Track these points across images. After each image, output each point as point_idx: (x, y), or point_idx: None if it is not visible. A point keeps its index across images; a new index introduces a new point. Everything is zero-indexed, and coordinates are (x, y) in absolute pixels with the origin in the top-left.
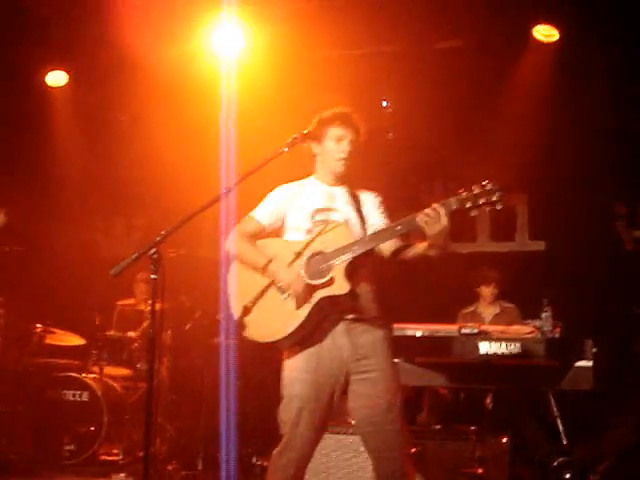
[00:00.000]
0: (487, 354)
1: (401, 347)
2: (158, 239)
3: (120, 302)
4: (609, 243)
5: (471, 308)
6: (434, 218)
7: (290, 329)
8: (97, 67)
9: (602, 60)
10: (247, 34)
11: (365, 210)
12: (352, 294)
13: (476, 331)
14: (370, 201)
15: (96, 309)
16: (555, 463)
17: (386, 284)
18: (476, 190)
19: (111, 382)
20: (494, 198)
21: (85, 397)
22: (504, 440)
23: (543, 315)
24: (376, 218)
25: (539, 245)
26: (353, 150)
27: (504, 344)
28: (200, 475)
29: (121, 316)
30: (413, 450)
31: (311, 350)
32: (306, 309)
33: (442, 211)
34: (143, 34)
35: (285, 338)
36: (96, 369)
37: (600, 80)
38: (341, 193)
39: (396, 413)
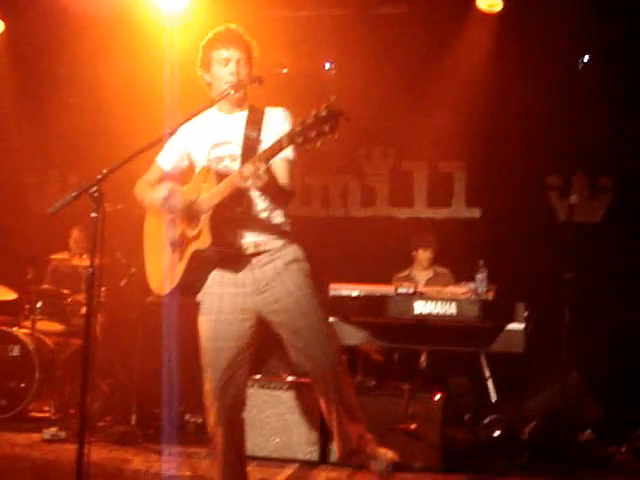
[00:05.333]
0: (422, 314)
1: (337, 307)
2: (99, 177)
3: (54, 256)
4: (543, 213)
5: (405, 272)
6: (254, 175)
7: (175, 282)
8: (34, 16)
9: (544, 30)
10: None
11: (266, 133)
12: (221, 242)
13: (412, 291)
14: (275, 120)
15: (28, 263)
16: (485, 420)
17: (320, 247)
18: (308, 120)
19: (43, 337)
20: (326, 128)
21: (16, 352)
22: (437, 397)
23: (478, 276)
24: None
25: (475, 212)
26: (243, 70)
27: (439, 304)
28: (133, 430)
29: (55, 270)
30: None
31: (213, 291)
32: (184, 262)
33: (262, 167)
34: None
35: (173, 291)
36: (28, 324)
37: (541, 50)
38: (240, 120)
39: (315, 318)
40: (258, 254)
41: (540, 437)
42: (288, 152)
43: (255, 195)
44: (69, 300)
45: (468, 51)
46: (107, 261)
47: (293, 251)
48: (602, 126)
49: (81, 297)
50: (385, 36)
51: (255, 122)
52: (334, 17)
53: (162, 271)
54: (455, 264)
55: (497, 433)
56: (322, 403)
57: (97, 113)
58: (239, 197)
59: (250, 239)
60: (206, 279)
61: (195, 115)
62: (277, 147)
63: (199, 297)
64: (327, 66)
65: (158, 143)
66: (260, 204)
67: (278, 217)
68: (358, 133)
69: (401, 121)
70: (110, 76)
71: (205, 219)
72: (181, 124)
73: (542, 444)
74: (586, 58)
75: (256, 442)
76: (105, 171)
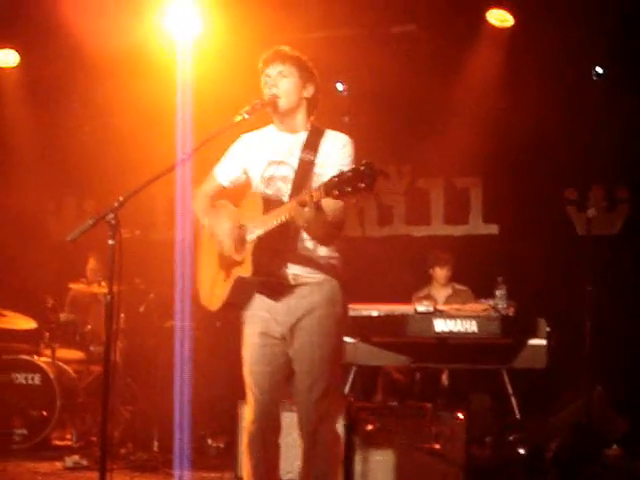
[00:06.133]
0: (443, 332)
1: (357, 327)
2: (116, 204)
3: (72, 284)
4: (561, 227)
5: (425, 291)
6: (298, 213)
7: (220, 303)
8: (48, 47)
9: (556, 43)
10: (202, 15)
11: (322, 157)
12: (262, 272)
13: (431, 309)
14: (332, 144)
15: (48, 291)
16: (510, 438)
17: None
18: (346, 174)
19: (64, 365)
20: (362, 185)
21: (37, 380)
22: (460, 416)
23: (497, 292)
24: (329, 167)
25: (493, 228)
26: (283, 84)
27: (459, 322)
28: (155, 456)
29: (74, 299)
30: (369, 427)
31: (254, 313)
32: (228, 284)
33: (310, 210)
34: (93, 13)
35: (220, 309)
36: (48, 352)
37: (554, 63)
38: (299, 141)
39: (319, 394)
40: (297, 286)
41: (566, 454)
42: (345, 165)
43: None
44: (89, 327)
45: (481, 66)
46: (126, 287)
47: (332, 290)
48: (618, 137)
49: (100, 324)
50: (397, 55)
51: (312, 145)
52: (345, 38)
53: (211, 287)
54: (474, 281)
55: (522, 451)
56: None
57: (112, 140)
58: (285, 231)
59: (292, 270)
60: (250, 300)
61: (209, 139)
62: (318, 194)
63: (243, 318)
64: (340, 87)
65: (173, 170)
66: (306, 239)
67: (323, 251)
68: (372, 152)
69: (415, 139)
70: (124, 104)
71: (249, 248)
72: (195, 149)
73: (568, 461)
74: (599, 69)
75: (281, 466)
76: (121, 198)
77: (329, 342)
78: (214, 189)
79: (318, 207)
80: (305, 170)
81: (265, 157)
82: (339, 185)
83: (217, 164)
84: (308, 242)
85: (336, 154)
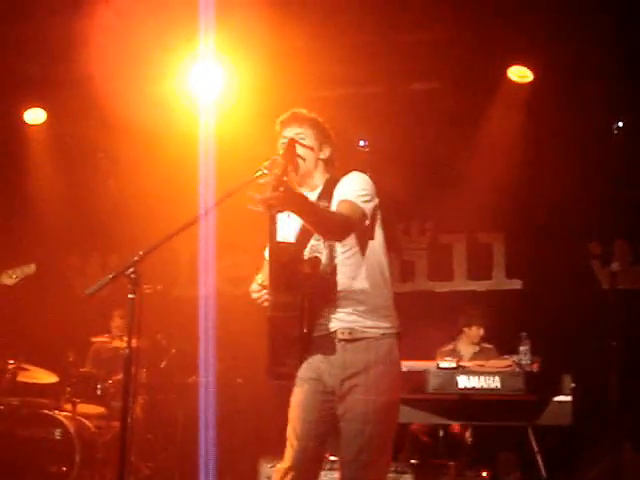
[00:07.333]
0: (466, 388)
1: None
2: (136, 259)
3: (95, 339)
4: (585, 282)
5: (450, 346)
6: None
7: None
8: (74, 106)
9: (576, 98)
10: (225, 74)
11: (335, 201)
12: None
13: (454, 365)
14: (345, 182)
15: (70, 346)
16: None
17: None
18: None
19: (84, 420)
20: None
21: (57, 435)
22: (484, 474)
23: (521, 348)
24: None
25: (516, 284)
26: (300, 148)
27: (483, 378)
28: None
29: (96, 353)
30: None
31: (307, 362)
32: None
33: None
34: (118, 74)
35: (267, 370)
36: (69, 406)
37: (574, 118)
38: (316, 194)
39: (367, 456)
40: (353, 341)
41: None
42: (352, 192)
43: (337, 261)
44: (110, 382)
45: (501, 122)
46: (147, 343)
47: (390, 347)
48: None
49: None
50: (418, 111)
51: (327, 193)
52: (367, 95)
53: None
54: (498, 336)
55: None
56: None
57: (136, 196)
58: (293, 264)
59: (343, 324)
60: (293, 359)
61: (230, 194)
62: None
63: None
64: (361, 143)
65: (194, 224)
66: (340, 271)
67: (377, 297)
68: (395, 208)
69: (437, 195)
70: (149, 161)
71: (269, 293)
72: (216, 204)
73: None
74: (620, 123)
75: None
76: (141, 252)
77: (386, 405)
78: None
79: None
80: None
81: (285, 215)
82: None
83: None
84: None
85: (347, 187)
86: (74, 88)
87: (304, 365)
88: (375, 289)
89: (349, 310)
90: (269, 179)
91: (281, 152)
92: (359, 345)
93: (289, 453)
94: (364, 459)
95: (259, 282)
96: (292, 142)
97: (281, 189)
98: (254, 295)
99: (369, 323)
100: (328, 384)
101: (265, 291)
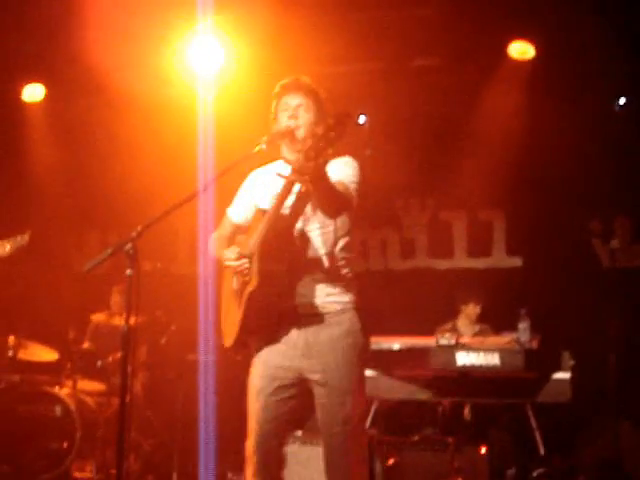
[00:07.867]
0: (465, 365)
1: (378, 360)
2: (134, 234)
3: (94, 315)
4: (586, 259)
5: (449, 324)
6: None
7: (235, 332)
8: (73, 83)
9: (577, 75)
10: (225, 49)
11: None
12: (270, 289)
13: (453, 342)
14: (335, 166)
15: (69, 323)
16: (535, 474)
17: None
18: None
19: (84, 397)
20: (332, 134)
21: (58, 412)
22: (482, 451)
23: (521, 325)
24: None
25: (516, 261)
26: (304, 115)
27: (482, 354)
28: None
29: (96, 330)
30: (390, 461)
31: (269, 342)
32: (241, 310)
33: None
34: (117, 50)
35: (235, 342)
36: (69, 383)
37: (576, 95)
38: None
39: (351, 426)
40: (314, 316)
41: None
42: (346, 175)
43: (311, 235)
44: (110, 359)
45: (502, 99)
46: (147, 319)
47: (351, 319)
48: None
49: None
50: (418, 88)
51: None
52: (367, 71)
53: (229, 323)
54: (497, 314)
55: None
56: None
57: (135, 173)
58: (286, 235)
59: (305, 299)
60: (265, 331)
61: (229, 169)
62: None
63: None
64: (361, 119)
65: (193, 199)
66: (316, 246)
67: (340, 268)
68: (395, 185)
69: (438, 171)
70: (148, 137)
71: (253, 260)
72: (214, 179)
73: None
74: (622, 100)
75: None
76: (139, 228)
77: (357, 375)
78: (230, 229)
79: (319, 165)
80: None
81: (273, 190)
82: (316, 147)
83: (230, 205)
84: (318, 255)
85: (338, 173)
86: (74, 64)
87: (272, 348)
88: (347, 267)
89: (323, 286)
90: (307, 147)
91: (284, 121)
92: (331, 320)
93: (251, 438)
94: (349, 429)
95: (237, 251)
96: (349, 119)
97: (320, 160)
98: (232, 263)
99: (342, 298)
100: (291, 367)
101: (245, 260)
